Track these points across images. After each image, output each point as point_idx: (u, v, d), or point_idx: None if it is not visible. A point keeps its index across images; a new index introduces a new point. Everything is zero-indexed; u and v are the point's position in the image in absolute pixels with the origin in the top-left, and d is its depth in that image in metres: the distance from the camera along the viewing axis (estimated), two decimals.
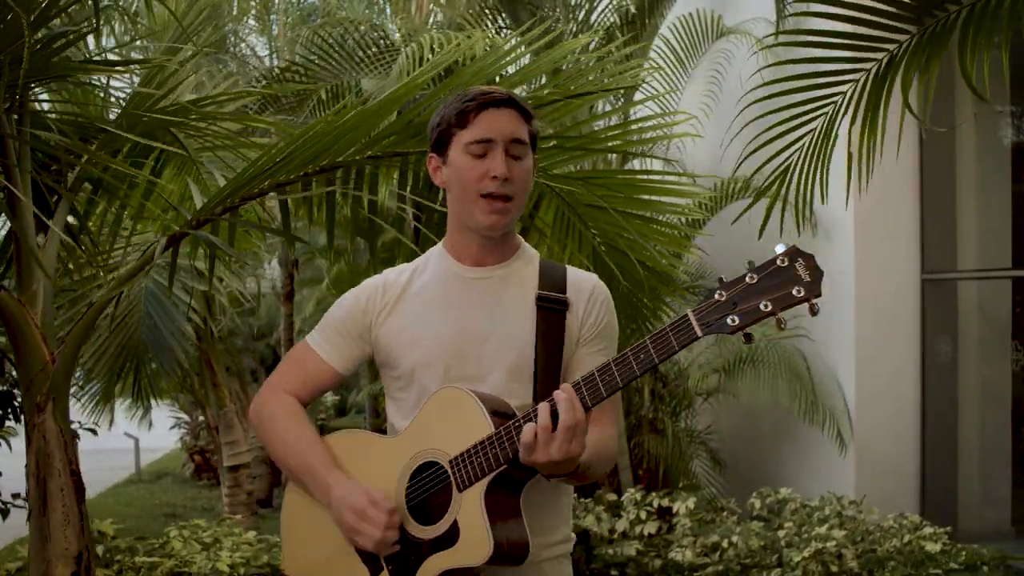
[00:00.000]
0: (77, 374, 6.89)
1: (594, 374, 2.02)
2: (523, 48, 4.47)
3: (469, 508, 2.08)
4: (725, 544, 6.09)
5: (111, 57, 3.64)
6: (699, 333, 1.94)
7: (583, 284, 2.30)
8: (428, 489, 2.17)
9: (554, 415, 1.98)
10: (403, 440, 2.24)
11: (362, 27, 7.30)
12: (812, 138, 3.06)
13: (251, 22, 12.29)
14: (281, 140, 3.36)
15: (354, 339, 2.33)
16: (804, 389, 7.22)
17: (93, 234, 3.52)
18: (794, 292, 1.88)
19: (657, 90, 7.78)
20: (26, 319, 2.80)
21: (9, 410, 5.30)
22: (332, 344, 2.34)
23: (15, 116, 2.90)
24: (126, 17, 3.70)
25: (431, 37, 6.30)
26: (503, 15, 7.73)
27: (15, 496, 5.45)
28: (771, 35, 6.64)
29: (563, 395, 1.99)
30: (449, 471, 2.13)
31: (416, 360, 2.26)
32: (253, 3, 11.94)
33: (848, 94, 2.95)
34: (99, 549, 4.59)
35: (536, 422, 1.99)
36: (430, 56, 5.61)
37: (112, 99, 3.63)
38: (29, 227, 2.84)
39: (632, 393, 7.96)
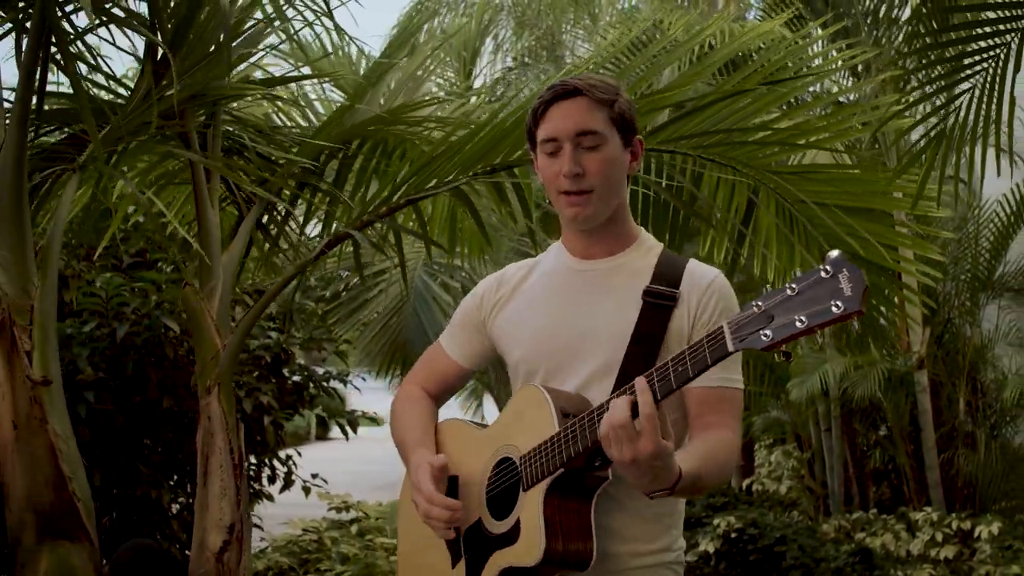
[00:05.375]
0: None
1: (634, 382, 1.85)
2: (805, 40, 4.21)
3: (530, 508, 2.04)
4: None
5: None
6: (730, 348, 1.75)
7: (701, 278, 2.13)
8: (504, 484, 2.15)
9: (634, 409, 1.83)
10: (489, 433, 2.24)
11: (648, 27, 7.28)
12: (972, 96, 2.63)
13: (580, 31, 12.68)
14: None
15: (472, 333, 2.34)
16: None
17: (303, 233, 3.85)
18: (832, 307, 1.66)
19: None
20: (203, 312, 3.15)
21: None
22: (455, 338, 2.37)
23: (210, 134, 3.26)
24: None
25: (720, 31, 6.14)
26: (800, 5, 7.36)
27: (314, 476, 6.07)
28: None
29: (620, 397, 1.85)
30: (519, 468, 2.10)
31: (519, 355, 2.23)
32: (581, 16, 12.31)
33: (1012, 45, 2.51)
34: (354, 527, 5.00)
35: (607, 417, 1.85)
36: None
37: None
38: (213, 230, 3.18)
39: (944, 403, 7.27)
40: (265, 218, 3.68)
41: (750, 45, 4.55)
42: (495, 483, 2.15)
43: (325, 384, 6.08)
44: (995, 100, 2.62)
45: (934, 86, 2.74)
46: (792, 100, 4.05)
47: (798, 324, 1.68)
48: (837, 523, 6.92)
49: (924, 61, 6.39)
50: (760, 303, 1.74)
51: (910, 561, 6.20)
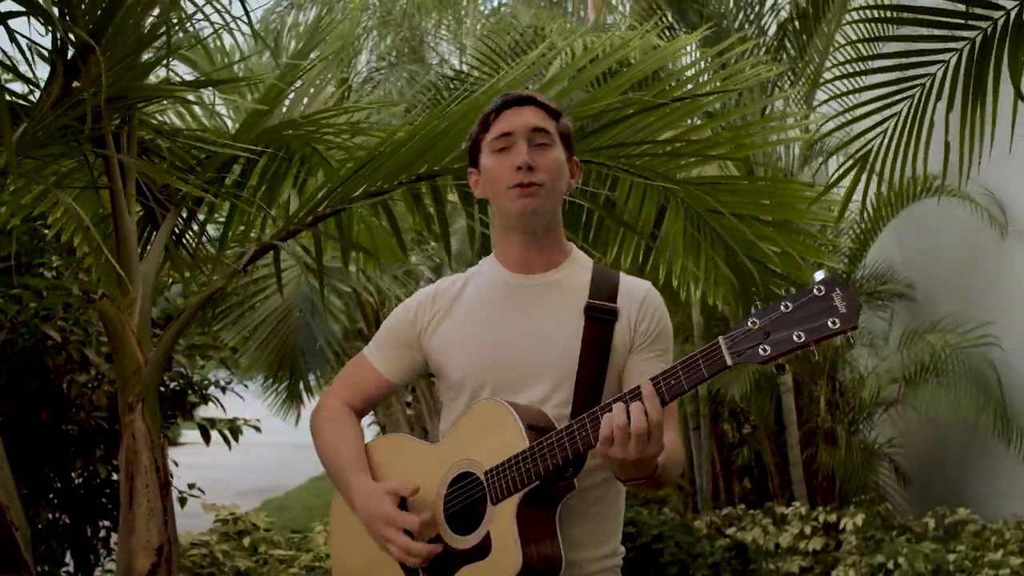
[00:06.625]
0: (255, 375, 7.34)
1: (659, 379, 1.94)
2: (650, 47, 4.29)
3: (501, 522, 2.06)
4: (891, 565, 5.74)
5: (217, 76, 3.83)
6: (729, 362, 1.85)
7: (635, 291, 2.24)
8: (465, 499, 2.15)
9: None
10: (443, 448, 2.23)
11: (527, 32, 7.34)
12: (896, 121, 2.83)
13: (443, 31, 12.68)
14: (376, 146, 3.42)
15: (404, 349, 2.34)
16: (993, 402, 6.69)
17: (213, 243, 3.75)
18: (829, 323, 1.77)
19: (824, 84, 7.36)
20: (123, 325, 3.01)
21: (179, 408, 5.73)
22: (383, 354, 2.36)
23: (124, 137, 3.12)
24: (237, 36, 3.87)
25: (586, 40, 6.24)
26: (670, 15, 7.56)
27: (191, 486, 5.87)
28: (855, 9, 6.19)
29: (648, 389, 1.91)
30: (484, 483, 2.10)
31: (463, 370, 2.25)
32: (445, 16, 12.31)
33: (938, 76, 2.71)
34: (246, 540, 4.86)
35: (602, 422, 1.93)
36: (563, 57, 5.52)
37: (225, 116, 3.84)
38: (131, 239, 3.05)
39: (807, 403, 7.63)
40: (176, 227, 3.55)
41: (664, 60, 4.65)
42: (454, 499, 2.16)
43: (204, 392, 5.91)
44: (916, 125, 2.80)
45: (859, 111, 2.92)
46: (708, 111, 4.17)
47: (796, 339, 1.79)
48: (708, 519, 7.16)
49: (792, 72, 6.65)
50: (756, 320, 1.84)
51: (780, 554, 6.48)
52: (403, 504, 2.17)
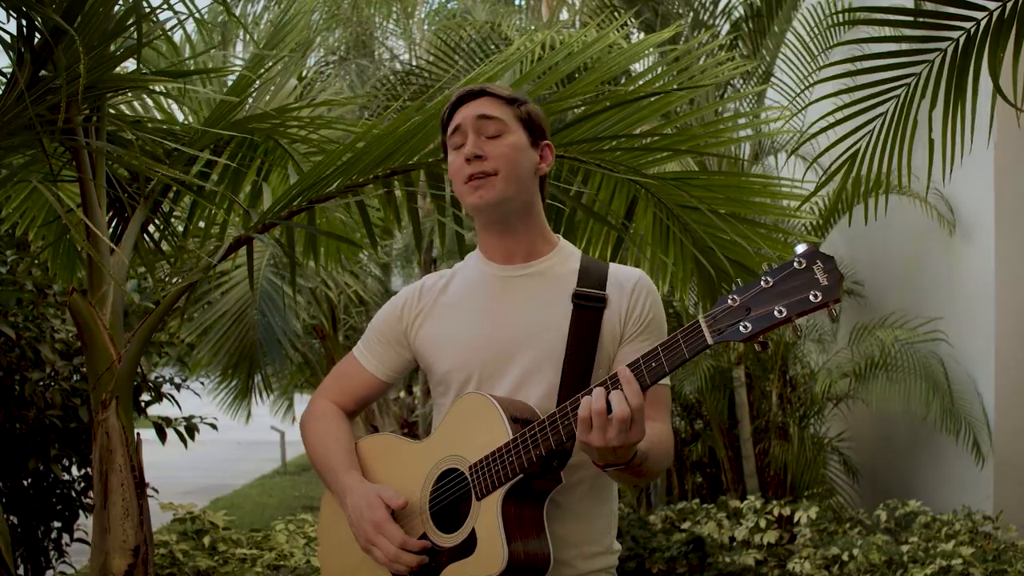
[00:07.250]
0: (210, 374, 7.23)
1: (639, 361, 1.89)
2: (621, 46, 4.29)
3: (486, 517, 2.02)
4: (845, 557, 5.83)
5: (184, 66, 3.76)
6: (710, 341, 1.79)
7: (625, 279, 2.20)
8: (450, 496, 2.12)
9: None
10: (428, 445, 2.19)
11: (484, 28, 7.32)
12: (883, 122, 2.86)
13: (391, 25, 12.59)
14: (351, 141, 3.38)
15: (392, 346, 2.31)
16: (941, 396, 6.83)
17: (177, 235, 3.68)
18: (811, 297, 1.71)
19: (787, 84, 7.47)
20: (95, 320, 2.93)
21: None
22: (372, 352, 2.33)
23: (93, 128, 3.04)
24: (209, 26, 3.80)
25: (547, 37, 6.23)
26: (624, 12, 7.58)
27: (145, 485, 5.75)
28: (838, 12, 6.32)
29: (625, 373, 1.86)
30: (468, 478, 2.07)
31: (451, 364, 2.22)
32: (394, 8, 12.23)
33: (922, 75, 2.75)
34: (206, 539, 4.79)
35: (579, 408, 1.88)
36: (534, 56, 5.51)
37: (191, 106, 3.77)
38: (101, 230, 2.97)
39: (759, 398, 7.72)
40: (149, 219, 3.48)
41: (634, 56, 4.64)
42: (439, 496, 2.13)
43: (159, 389, 5.80)
44: (900, 125, 2.84)
45: (852, 110, 2.95)
46: (677, 109, 4.20)
47: (777, 314, 1.74)
48: (663, 514, 7.20)
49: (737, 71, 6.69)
50: (735, 296, 1.79)
51: (735, 547, 6.54)
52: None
